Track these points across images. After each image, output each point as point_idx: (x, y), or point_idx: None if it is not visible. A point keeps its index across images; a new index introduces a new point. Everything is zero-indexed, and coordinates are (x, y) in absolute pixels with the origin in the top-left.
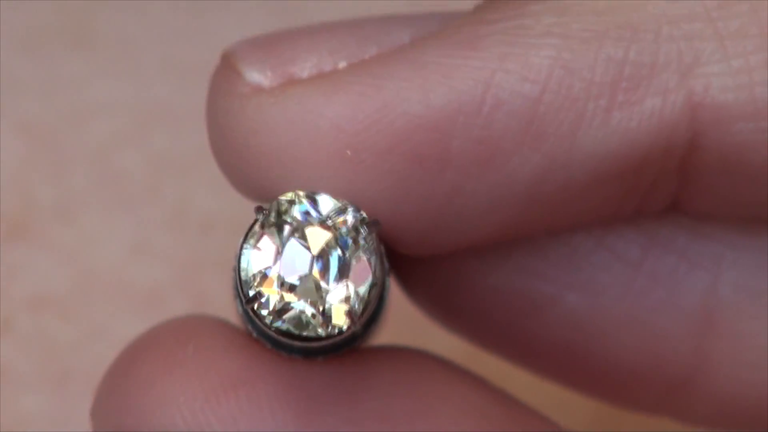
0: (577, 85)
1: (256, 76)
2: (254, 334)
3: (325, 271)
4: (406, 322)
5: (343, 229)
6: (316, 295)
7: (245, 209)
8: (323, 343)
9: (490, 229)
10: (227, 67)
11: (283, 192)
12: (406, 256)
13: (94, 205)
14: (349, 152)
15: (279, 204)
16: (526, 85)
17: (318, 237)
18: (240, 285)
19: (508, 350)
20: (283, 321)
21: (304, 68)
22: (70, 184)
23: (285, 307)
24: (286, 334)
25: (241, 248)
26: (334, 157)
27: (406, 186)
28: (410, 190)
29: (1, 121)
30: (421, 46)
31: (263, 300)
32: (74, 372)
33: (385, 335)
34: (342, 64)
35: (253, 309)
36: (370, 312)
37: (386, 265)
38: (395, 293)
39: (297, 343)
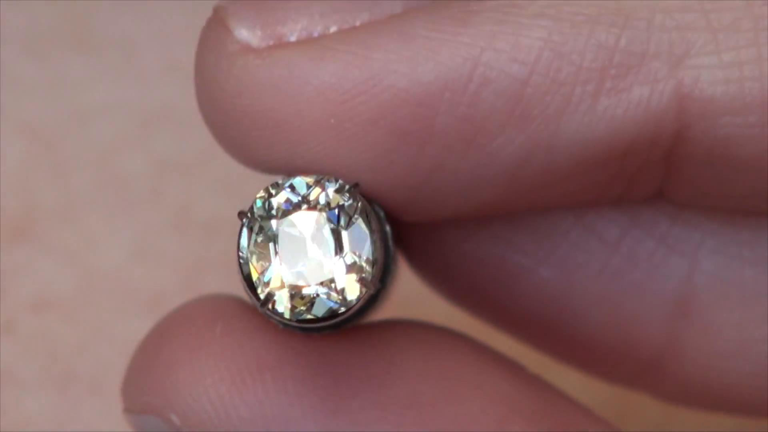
0: (565, 69)
1: (245, 33)
2: (280, 327)
3: (323, 249)
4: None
5: (326, 203)
6: (324, 275)
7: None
8: (347, 315)
9: (471, 204)
10: (217, 21)
11: (279, 152)
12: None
13: (97, 207)
14: (333, 121)
15: (258, 202)
16: (514, 66)
17: (306, 219)
18: (249, 293)
19: (486, 315)
20: (301, 311)
21: (294, 30)
22: (73, 186)
23: (298, 297)
24: (308, 320)
25: (238, 257)
26: (318, 124)
27: (388, 158)
28: (392, 162)
29: (4, 123)
30: (411, 17)
31: (275, 299)
32: (77, 374)
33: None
34: (332, 29)
35: (269, 310)
36: (380, 269)
37: (382, 215)
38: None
39: (322, 324)
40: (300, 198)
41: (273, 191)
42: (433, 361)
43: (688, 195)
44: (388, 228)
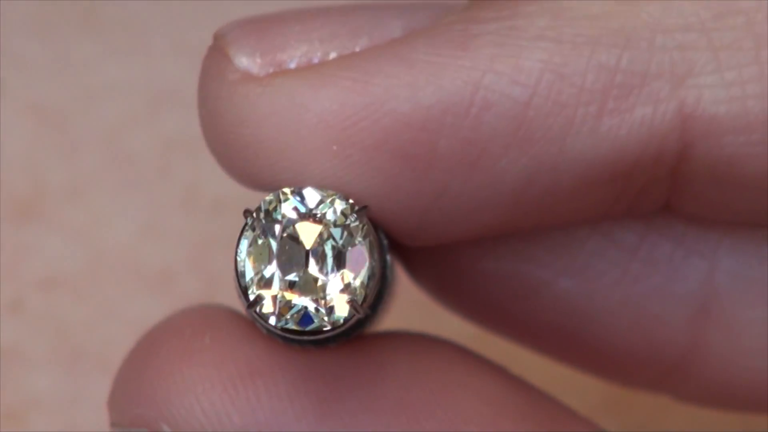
0: (567, 91)
1: (245, 61)
2: (264, 331)
3: (321, 264)
4: (413, 306)
5: (333, 220)
6: (316, 289)
7: (256, 191)
8: (331, 333)
9: (477, 226)
10: (218, 49)
11: (270, 190)
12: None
13: (105, 186)
14: (335, 147)
15: (266, 204)
16: (515, 89)
17: (309, 231)
18: (240, 292)
19: (506, 331)
20: (287, 320)
21: (294, 57)
22: (81, 165)
23: (287, 306)
24: (292, 331)
25: (236, 254)
26: (321, 151)
27: (393, 183)
28: (397, 187)
29: (12, 103)
30: (411, 42)
31: (264, 302)
32: (86, 352)
33: (394, 319)
34: (332, 55)
35: (256, 312)
36: (372, 296)
37: (385, 243)
38: (401, 276)
39: (305, 338)
40: (307, 209)
41: (282, 197)
42: (422, 366)
43: (693, 209)
44: (388, 257)
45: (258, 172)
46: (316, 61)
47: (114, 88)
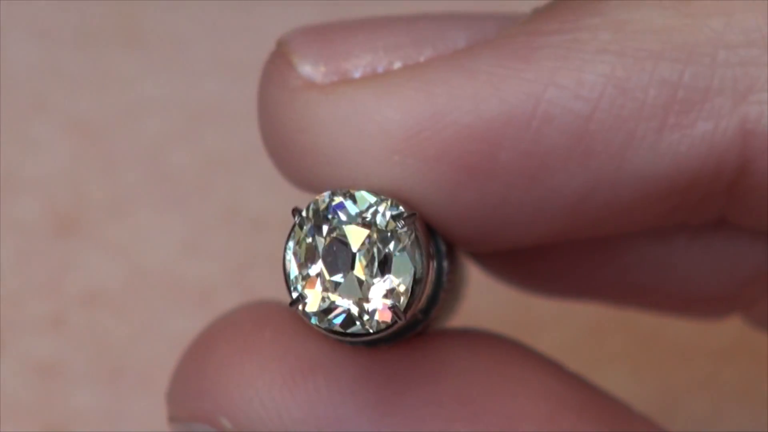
0: (629, 105)
1: (309, 69)
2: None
3: (366, 267)
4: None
5: (382, 224)
6: (359, 293)
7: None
8: (375, 336)
9: (534, 236)
10: (280, 56)
11: (321, 191)
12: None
13: (146, 202)
14: (396, 157)
15: (317, 204)
16: (577, 102)
17: (357, 234)
18: (287, 289)
19: (579, 293)
20: (329, 321)
21: (358, 66)
22: (122, 181)
23: (330, 307)
24: (335, 332)
25: (285, 251)
26: (382, 160)
27: (452, 193)
28: (456, 197)
29: (55, 119)
30: (475, 53)
31: (307, 301)
32: (126, 368)
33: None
34: (397, 65)
35: (298, 311)
36: (419, 302)
37: (443, 249)
38: None
39: (349, 339)
40: (357, 212)
41: (334, 198)
42: (481, 361)
43: (749, 223)
44: (445, 263)
45: (316, 179)
46: (380, 70)
47: (155, 104)
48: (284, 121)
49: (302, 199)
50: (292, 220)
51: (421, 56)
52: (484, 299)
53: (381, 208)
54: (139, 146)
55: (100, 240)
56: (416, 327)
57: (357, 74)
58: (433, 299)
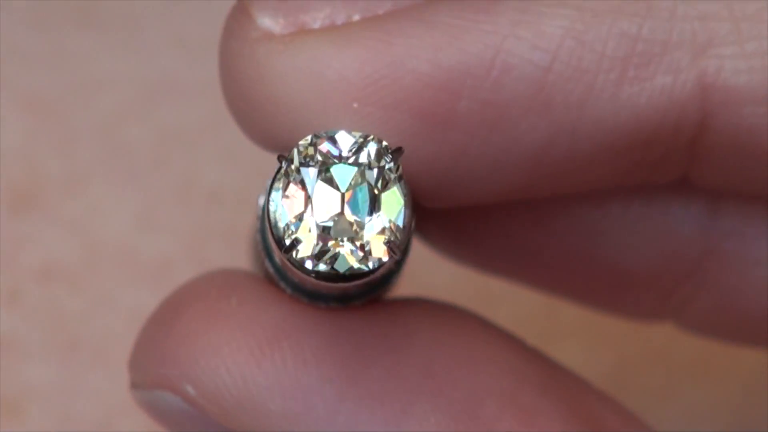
0: (587, 57)
1: (268, 21)
2: (288, 291)
3: (357, 206)
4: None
5: (368, 162)
6: (353, 232)
7: (252, 181)
8: (362, 280)
9: (494, 189)
10: (241, 9)
11: (301, 137)
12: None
13: (102, 177)
14: (355, 105)
15: (299, 148)
16: (536, 53)
17: (344, 174)
18: (273, 237)
19: (517, 267)
20: (325, 263)
21: (317, 18)
22: (78, 157)
23: (324, 249)
24: (329, 276)
25: (268, 200)
26: (341, 108)
27: (412, 143)
28: (415, 147)
29: (8, 95)
30: (434, 6)
31: (300, 246)
32: (82, 342)
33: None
34: (356, 17)
35: (292, 257)
36: (406, 239)
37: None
38: None
39: (337, 285)
40: (341, 152)
41: (316, 140)
42: (446, 334)
43: (712, 181)
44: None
45: (276, 130)
46: (339, 22)
47: (110, 80)
48: (243, 71)
49: (257, 174)
50: (247, 195)
51: (381, 9)
52: (441, 273)
53: (365, 145)
54: (94, 122)
55: (56, 215)
56: (390, 280)
57: (316, 26)
58: (407, 248)
